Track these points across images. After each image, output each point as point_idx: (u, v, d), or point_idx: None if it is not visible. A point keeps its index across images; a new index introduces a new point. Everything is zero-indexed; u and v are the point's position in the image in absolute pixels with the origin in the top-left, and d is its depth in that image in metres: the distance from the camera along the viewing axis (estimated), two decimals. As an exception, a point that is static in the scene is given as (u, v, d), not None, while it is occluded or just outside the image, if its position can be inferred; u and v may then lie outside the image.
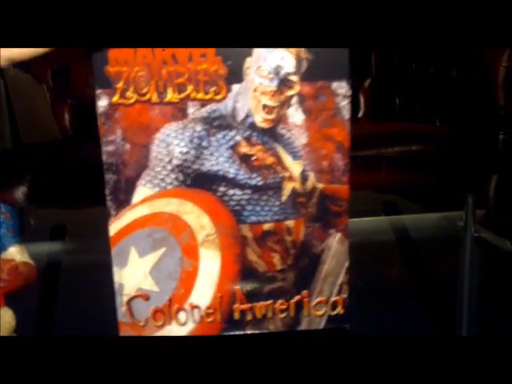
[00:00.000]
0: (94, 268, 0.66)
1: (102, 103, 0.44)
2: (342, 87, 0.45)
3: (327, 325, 0.50)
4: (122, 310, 0.48)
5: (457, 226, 0.70)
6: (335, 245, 0.49)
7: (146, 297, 0.48)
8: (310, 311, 0.50)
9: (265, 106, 0.45)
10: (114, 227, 0.46)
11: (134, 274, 0.48)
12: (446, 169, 1.04)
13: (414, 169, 1.07)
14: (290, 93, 0.45)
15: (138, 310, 0.48)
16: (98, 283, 0.62)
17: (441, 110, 1.35)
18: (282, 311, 0.50)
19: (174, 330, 0.49)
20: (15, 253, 0.48)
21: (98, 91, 0.44)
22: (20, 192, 0.96)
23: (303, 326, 0.50)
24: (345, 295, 0.50)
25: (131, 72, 0.43)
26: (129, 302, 0.48)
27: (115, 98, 0.44)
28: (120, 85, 0.44)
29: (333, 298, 0.50)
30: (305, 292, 0.49)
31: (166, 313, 0.49)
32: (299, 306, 0.50)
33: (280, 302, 0.49)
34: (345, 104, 0.46)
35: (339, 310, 0.50)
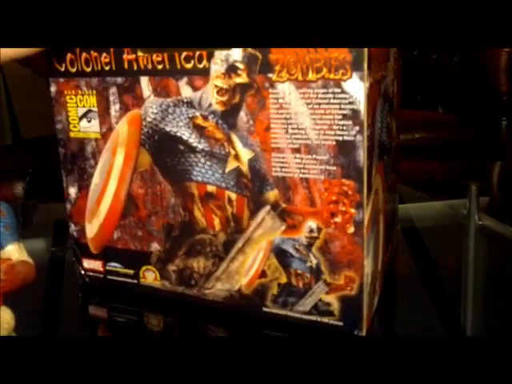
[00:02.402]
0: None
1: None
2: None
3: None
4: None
5: (460, 213, 0.70)
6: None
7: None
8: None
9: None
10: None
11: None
12: (449, 156, 1.02)
13: (417, 156, 0.98)
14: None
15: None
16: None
17: (443, 96, 1.31)
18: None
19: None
20: (13, 251, 0.46)
21: (361, 73, 0.41)
22: (19, 188, 0.93)
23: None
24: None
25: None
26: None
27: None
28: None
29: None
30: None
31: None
32: None
33: None
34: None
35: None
